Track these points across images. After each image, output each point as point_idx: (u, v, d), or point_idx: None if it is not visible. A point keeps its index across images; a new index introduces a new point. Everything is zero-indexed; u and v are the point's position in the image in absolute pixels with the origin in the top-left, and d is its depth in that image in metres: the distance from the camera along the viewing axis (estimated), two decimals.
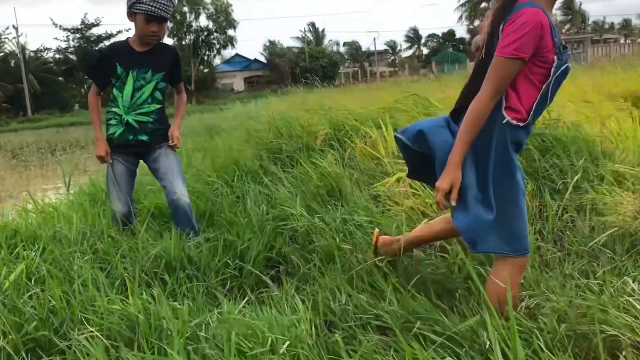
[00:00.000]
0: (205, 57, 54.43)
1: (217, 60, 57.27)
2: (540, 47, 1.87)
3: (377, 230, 2.71)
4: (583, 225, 2.88)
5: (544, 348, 1.73)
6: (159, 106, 3.44)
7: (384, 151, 4.37)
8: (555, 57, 1.90)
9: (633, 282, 2.08)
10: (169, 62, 3.46)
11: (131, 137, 3.39)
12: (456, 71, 26.60)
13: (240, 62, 60.17)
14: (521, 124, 1.96)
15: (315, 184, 4.02)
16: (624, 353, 1.73)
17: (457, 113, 2.08)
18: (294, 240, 3.32)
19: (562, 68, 1.93)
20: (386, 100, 6.62)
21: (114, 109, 3.40)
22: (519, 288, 2.10)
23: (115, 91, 3.39)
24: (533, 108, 1.96)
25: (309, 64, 52.22)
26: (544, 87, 1.94)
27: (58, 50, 52.51)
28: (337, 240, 2.96)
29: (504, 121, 1.94)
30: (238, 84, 57.55)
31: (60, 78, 51.42)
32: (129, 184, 3.50)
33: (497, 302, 1.91)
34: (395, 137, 2.29)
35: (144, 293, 2.34)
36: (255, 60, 60.31)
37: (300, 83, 12.88)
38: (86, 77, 50.24)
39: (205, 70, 54.45)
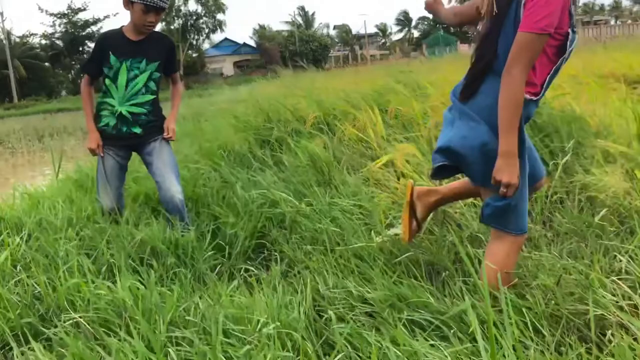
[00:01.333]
0: (194, 42, 54.00)
1: (206, 45, 56.93)
2: (560, 19, 1.82)
3: (411, 181, 2.59)
4: (572, 205, 2.88)
5: (530, 326, 1.73)
6: (152, 97, 3.35)
7: (373, 134, 4.35)
8: (570, 31, 1.86)
9: (620, 261, 2.08)
10: (164, 51, 3.37)
11: (124, 130, 3.30)
12: (447, 53, 26.55)
13: (230, 47, 59.76)
14: (534, 98, 1.92)
15: (304, 169, 3.99)
16: (610, 331, 1.73)
17: (468, 94, 2.00)
18: (282, 225, 3.30)
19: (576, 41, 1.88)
20: (376, 83, 6.58)
21: (106, 100, 3.31)
22: (515, 267, 2.09)
23: (107, 81, 3.29)
24: (546, 81, 1.91)
25: (299, 47, 51.96)
26: (559, 61, 1.89)
27: (44, 36, 51.97)
28: (325, 224, 2.95)
29: None
30: (227, 68, 57.18)
31: (47, 64, 50.80)
32: (119, 179, 3.42)
33: (495, 280, 1.89)
34: (431, 177, 2.24)
35: (131, 278, 2.32)
36: (245, 45, 59.93)
37: (290, 67, 12.76)
38: (73, 62, 49.84)
39: (194, 55, 54.05)
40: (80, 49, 50.43)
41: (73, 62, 51.07)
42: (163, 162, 3.32)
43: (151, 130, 3.36)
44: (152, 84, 3.33)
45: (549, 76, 1.91)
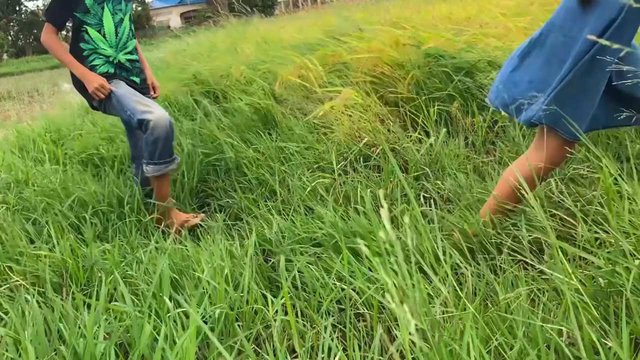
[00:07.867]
0: None
1: None
2: None
3: None
4: (514, 132, 2.91)
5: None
6: (135, 41, 3.10)
7: (315, 81, 4.24)
8: None
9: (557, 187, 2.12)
10: None
11: (124, 76, 2.99)
12: None
13: None
14: None
15: (248, 116, 3.92)
16: (548, 251, 1.78)
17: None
18: (228, 173, 3.26)
19: None
20: (321, 27, 6.43)
21: (98, 50, 2.90)
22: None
23: (90, 30, 2.87)
24: None
25: None
26: None
27: None
28: (274, 166, 2.92)
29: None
30: (174, 20, 55.26)
31: None
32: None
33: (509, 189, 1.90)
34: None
35: (70, 238, 2.26)
36: None
37: (239, 15, 12.31)
38: (11, 24, 47.39)
39: (139, 8, 52.01)
40: (17, 8, 47.95)
41: (11, 24, 48.61)
42: None
43: (144, 84, 3.12)
44: (132, 27, 3.08)
45: None
